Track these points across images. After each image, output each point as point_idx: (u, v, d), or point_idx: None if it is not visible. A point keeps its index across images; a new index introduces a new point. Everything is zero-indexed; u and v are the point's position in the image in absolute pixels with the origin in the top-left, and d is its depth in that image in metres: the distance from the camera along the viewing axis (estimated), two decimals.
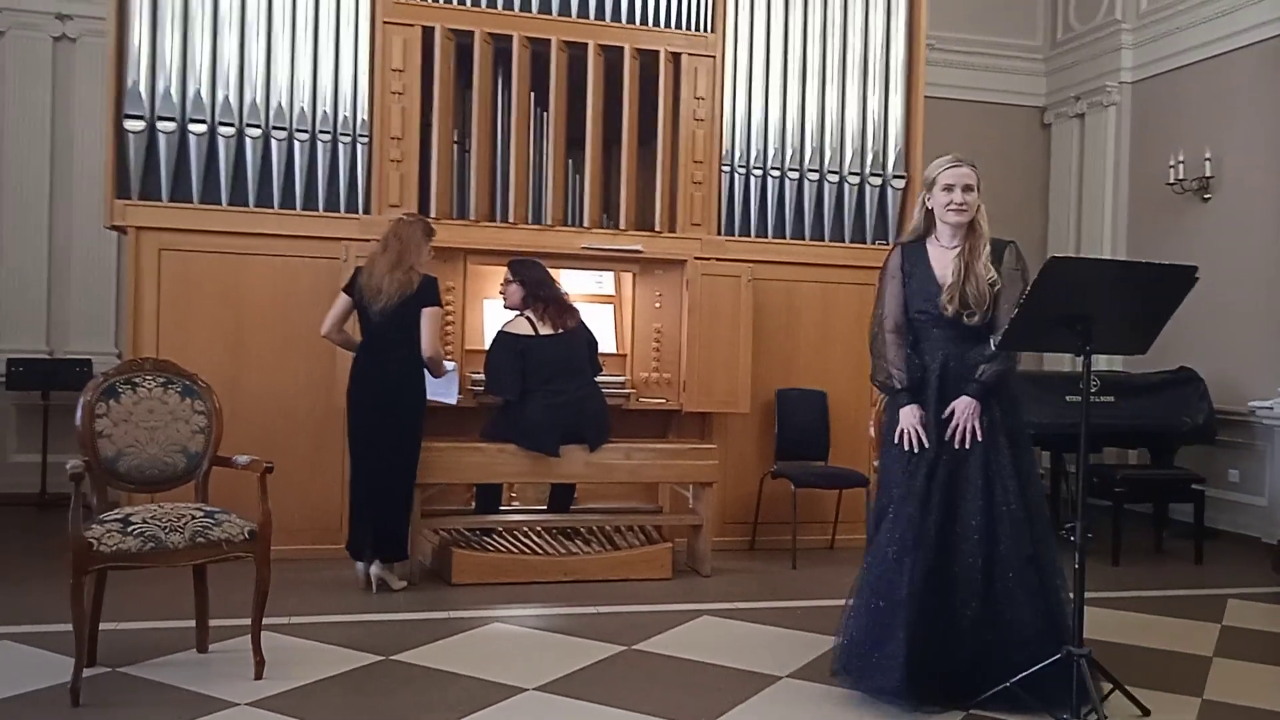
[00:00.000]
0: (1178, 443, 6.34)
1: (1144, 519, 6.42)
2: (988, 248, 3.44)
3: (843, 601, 3.54)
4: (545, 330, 4.90)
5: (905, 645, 3.23)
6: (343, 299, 4.68)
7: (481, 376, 5.21)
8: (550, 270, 5.11)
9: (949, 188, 3.44)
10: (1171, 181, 7.11)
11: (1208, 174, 6.90)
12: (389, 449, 4.58)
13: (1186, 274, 3.25)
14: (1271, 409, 6.29)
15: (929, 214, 3.53)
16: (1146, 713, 3.30)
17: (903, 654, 3.23)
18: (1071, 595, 3.31)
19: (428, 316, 4.60)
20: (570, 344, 4.94)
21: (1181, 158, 7.04)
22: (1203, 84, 7.09)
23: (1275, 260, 6.43)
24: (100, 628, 3.54)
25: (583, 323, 5.06)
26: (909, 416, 3.41)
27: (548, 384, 4.86)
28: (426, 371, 4.68)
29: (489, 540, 4.97)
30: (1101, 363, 7.21)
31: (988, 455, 3.38)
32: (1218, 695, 3.58)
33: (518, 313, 4.98)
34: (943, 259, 3.47)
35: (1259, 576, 5.47)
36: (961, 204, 3.43)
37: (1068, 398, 5.92)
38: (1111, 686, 3.29)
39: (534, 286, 4.97)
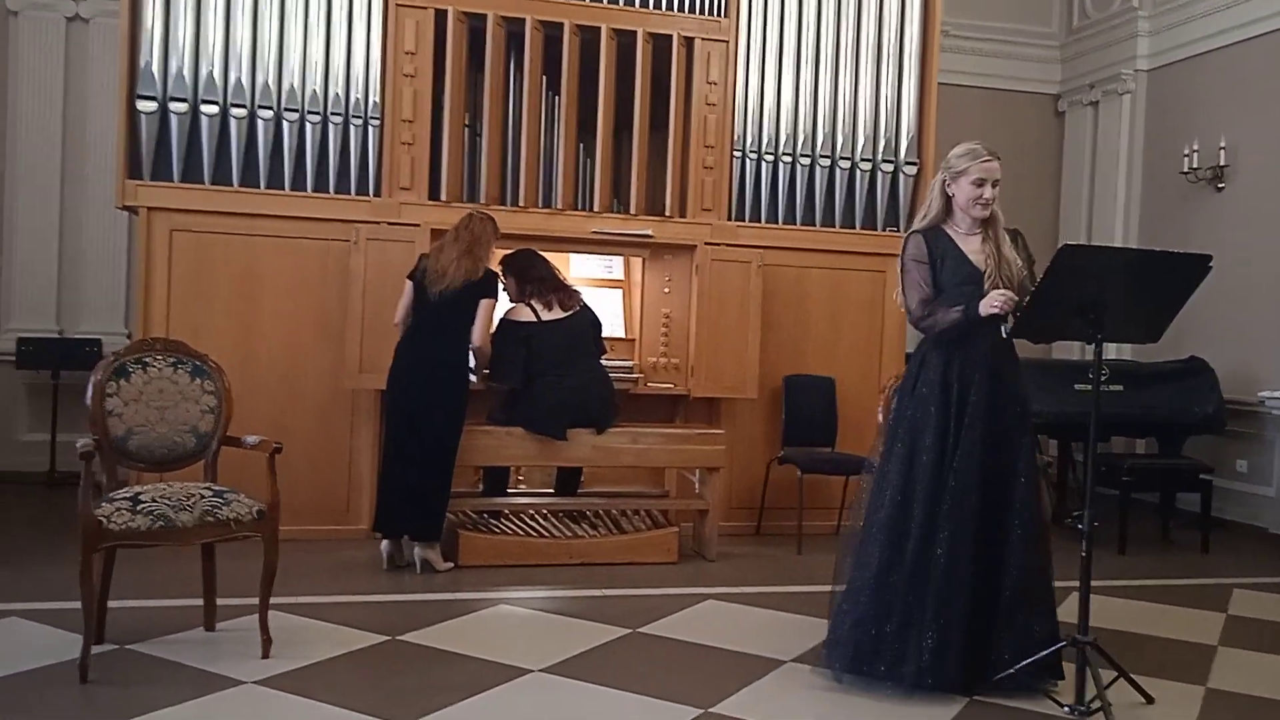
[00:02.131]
0: (1187, 432, 6.31)
1: (1151, 508, 6.41)
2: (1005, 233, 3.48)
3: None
4: (547, 315, 4.90)
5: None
6: (409, 285, 4.76)
7: None
8: (549, 255, 5.11)
9: (980, 183, 3.40)
10: (1185, 170, 7.06)
11: (1222, 163, 6.85)
12: (433, 430, 4.62)
13: (1200, 263, 3.23)
14: None
15: (948, 200, 3.48)
16: (1151, 700, 3.31)
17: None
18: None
19: (484, 307, 4.73)
20: (573, 327, 4.93)
21: (1196, 147, 6.98)
22: (1218, 73, 7.03)
23: None
24: (109, 605, 3.58)
25: (585, 305, 5.06)
26: (994, 298, 3.29)
27: (554, 369, 4.87)
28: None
29: (495, 523, 4.99)
30: (1111, 351, 7.17)
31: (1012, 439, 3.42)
32: (1222, 684, 3.58)
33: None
34: (971, 245, 3.46)
35: (1266, 566, 5.47)
36: (990, 200, 3.41)
37: (1076, 386, 5.90)
38: (1116, 674, 3.29)
39: (523, 272, 4.98)
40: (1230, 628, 4.32)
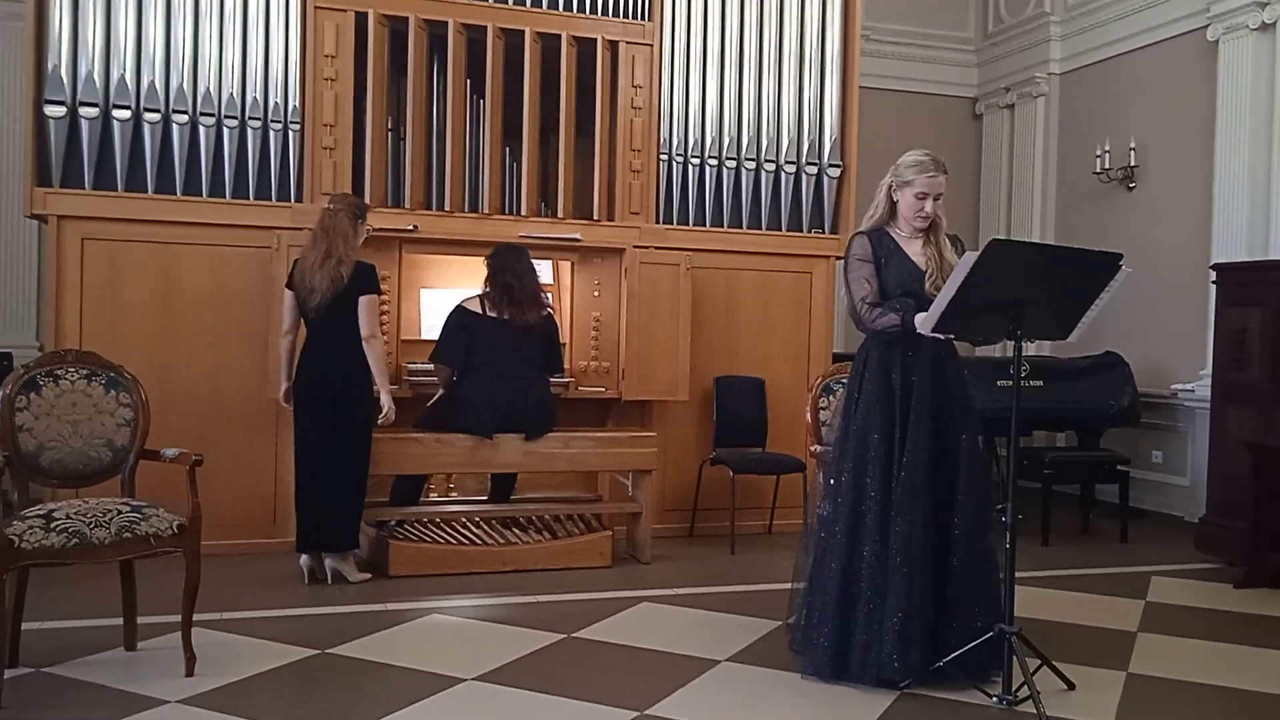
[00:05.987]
0: (1104, 425, 6.50)
1: (1072, 500, 6.58)
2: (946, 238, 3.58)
3: (784, 586, 3.56)
4: (492, 314, 4.87)
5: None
6: (288, 295, 4.62)
7: (418, 366, 5.17)
8: (479, 259, 5.05)
9: (923, 196, 3.48)
10: (1098, 171, 7.28)
11: (1133, 163, 7.08)
12: (336, 441, 4.52)
13: (1110, 261, 3.32)
14: (1193, 392, 6.49)
15: (893, 204, 3.55)
16: (1072, 686, 3.39)
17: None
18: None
19: (364, 304, 4.52)
20: (518, 331, 4.88)
21: (1108, 147, 7.20)
22: (1128, 75, 7.27)
23: (1196, 247, 6.61)
24: (23, 627, 3.45)
25: (548, 317, 5.01)
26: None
27: (490, 364, 4.83)
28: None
29: (426, 531, 4.93)
30: (1030, 348, 7.34)
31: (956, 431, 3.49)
32: (1142, 669, 3.69)
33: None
34: (914, 248, 3.54)
35: (1181, 554, 5.64)
36: (930, 215, 3.50)
37: (998, 382, 6.04)
38: (1040, 662, 3.37)
39: (494, 273, 4.94)
40: (1149, 614, 4.44)
